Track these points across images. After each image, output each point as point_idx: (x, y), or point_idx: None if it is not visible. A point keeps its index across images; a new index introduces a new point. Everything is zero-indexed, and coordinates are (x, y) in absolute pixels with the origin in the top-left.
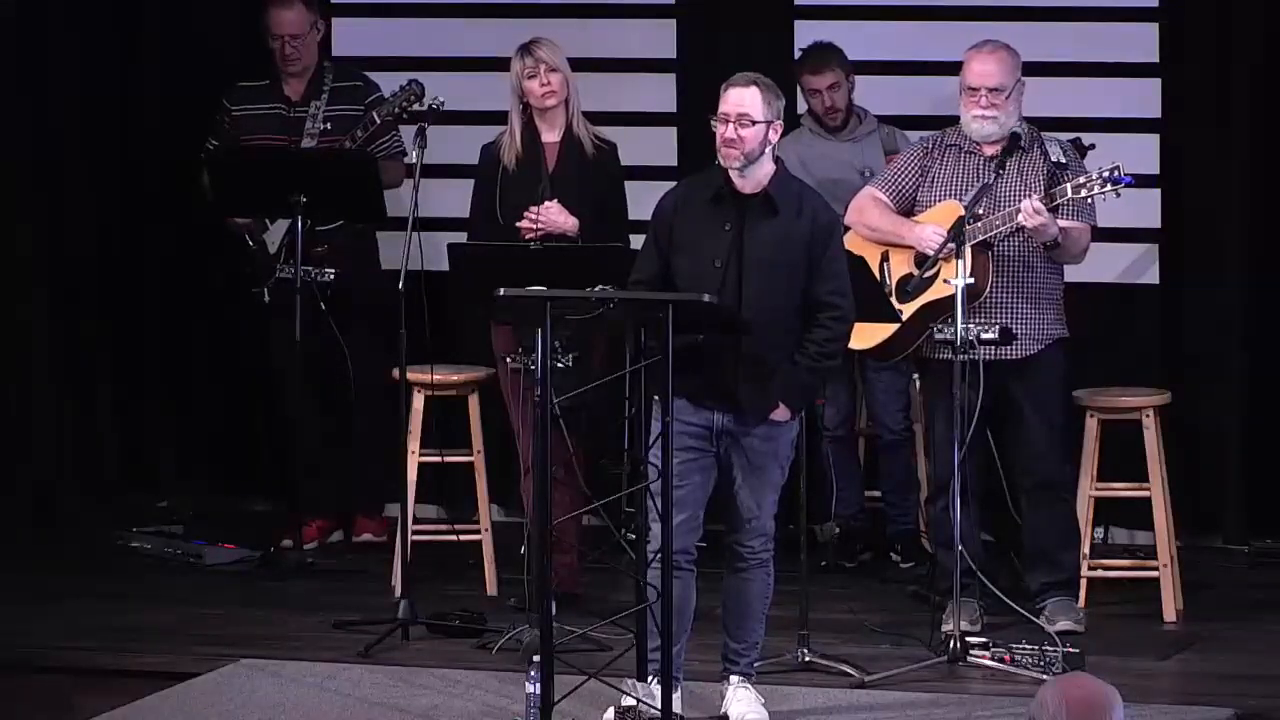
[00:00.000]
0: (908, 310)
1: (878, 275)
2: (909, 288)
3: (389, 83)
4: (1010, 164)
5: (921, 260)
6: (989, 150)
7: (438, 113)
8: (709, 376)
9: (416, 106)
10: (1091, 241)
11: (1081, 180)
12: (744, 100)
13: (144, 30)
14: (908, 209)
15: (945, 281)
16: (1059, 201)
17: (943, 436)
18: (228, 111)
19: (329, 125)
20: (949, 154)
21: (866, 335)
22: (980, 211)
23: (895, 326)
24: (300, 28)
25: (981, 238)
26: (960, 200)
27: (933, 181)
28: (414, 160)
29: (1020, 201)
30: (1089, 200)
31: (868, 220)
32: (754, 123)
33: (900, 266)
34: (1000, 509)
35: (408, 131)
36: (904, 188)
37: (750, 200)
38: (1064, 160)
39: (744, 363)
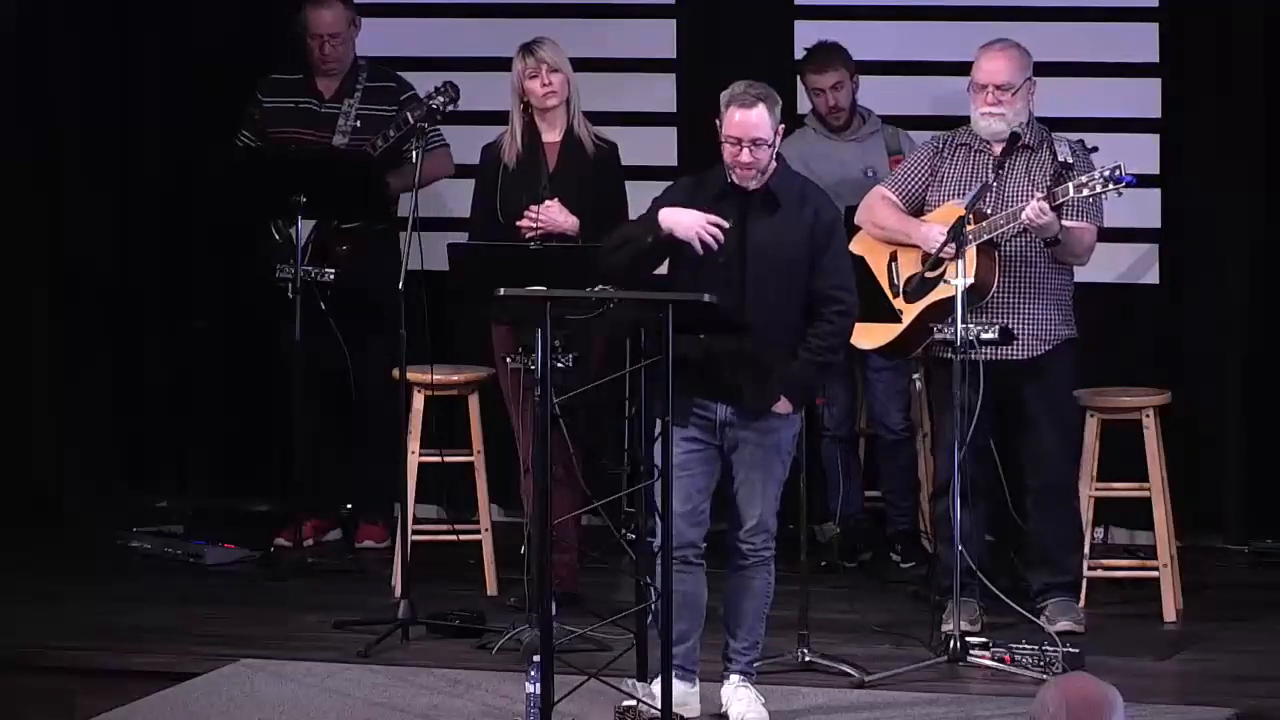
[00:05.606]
0: (914, 310)
1: (886, 275)
2: (908, 289)
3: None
4: (1018, 163)
5: (928, 260)
6: (999, 149)
7: (438, 113)
8: (712, 370)
9: (451, 108)
10: (1097, 242)
11: (1083, 179)
12: (754, 122)
13: (144, 30)
14: (917, 209)
15: (945, 281)
16: (1061, 201)
17: (948, 436)
18: (259, 104)
19: (360, 124)
20: (959, 153)
21: (873, 334)
22: (987, 210)
23: (902, 326)
24: (339, 27)
25: (987, 237)
26: (963, 200)
27: (942, 181)
28: (415, 161)
29: (1024, 201)
30: (1094, 200)
31: (876, 219)
32: (767, 144)
33: (909, 266)
34: (1000, 509)
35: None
36: (913, 188)
37: (752, 197)
38: (1071, 160)
39: (747, 356)
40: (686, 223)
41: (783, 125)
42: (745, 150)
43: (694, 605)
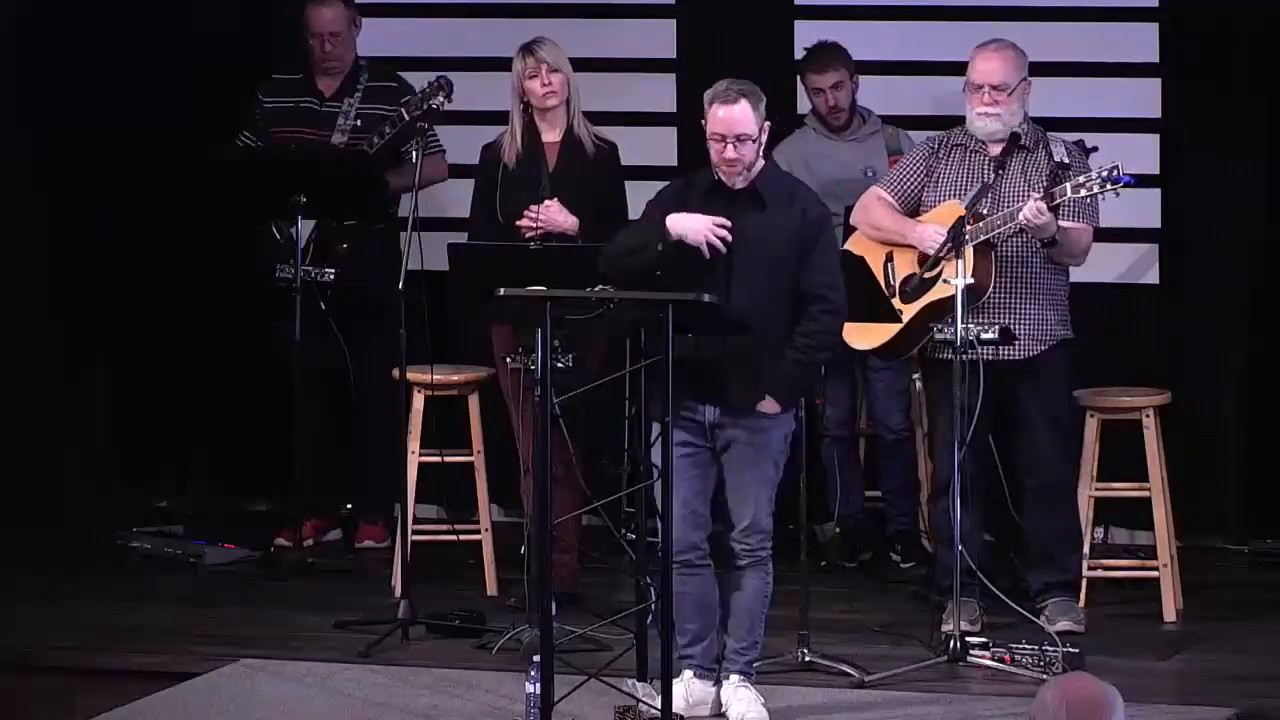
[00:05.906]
0: (911, 310)
1: (882, 275)
2: (909, 289)
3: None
4: (1014, 163)
5: (925, 260)
6: (994, 149)
7: (438, 113)
8: (697, 371)
9: (446, 105)
10: (1093, 242)
11: (1081, 180)
12: (738, 118)
13: (144, 30)
14: (913, 209)
15: (945, 281)
16: (1059, 201)
17: (946, 436)
18: (260, 104)
19: (360, 123)
20: (954, 154)
21: (870, 334)
22: (984, 211)
23: (898, 326)
24: (339, 26)
25: (984, 237)
26: (962, 200)
27: (938, 181)
28: (415, 160)
29: (1021, 201)
30: (1090, 201)
31: (872, 219)
32: (752, 140)
33: (905, 266)
34: (1000, 509)
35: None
36: (909, 188)
37: (740, 195)
38: (1067, 160)
39: (732, 356)
40: (696, 227)
41: (768, 123)
42: (730, 146)
43: (704, 605)
